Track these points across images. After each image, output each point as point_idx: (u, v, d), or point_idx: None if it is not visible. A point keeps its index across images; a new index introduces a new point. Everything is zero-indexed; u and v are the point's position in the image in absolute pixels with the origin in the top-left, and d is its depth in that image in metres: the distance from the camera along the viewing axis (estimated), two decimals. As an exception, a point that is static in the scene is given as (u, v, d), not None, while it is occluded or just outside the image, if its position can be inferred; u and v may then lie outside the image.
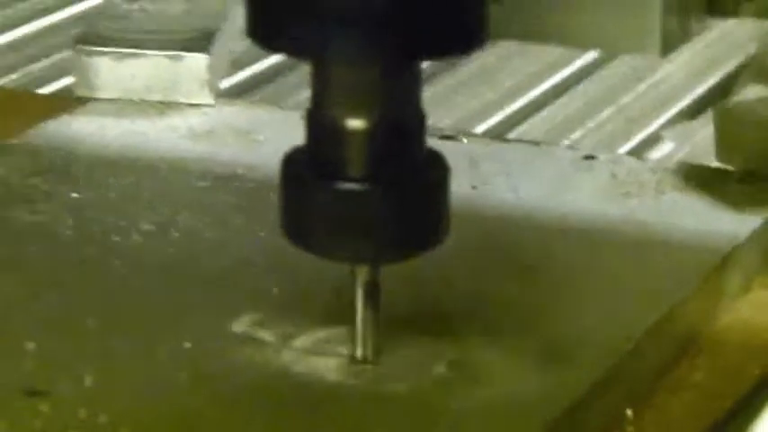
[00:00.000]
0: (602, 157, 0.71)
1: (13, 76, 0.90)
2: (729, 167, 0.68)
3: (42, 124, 0.70)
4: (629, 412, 0.53)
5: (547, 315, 0.56)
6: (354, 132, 0.48)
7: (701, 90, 0.89)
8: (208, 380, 0.50)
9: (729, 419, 0.54)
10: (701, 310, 0.59)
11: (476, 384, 0.51)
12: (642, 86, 0.88)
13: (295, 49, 0.47)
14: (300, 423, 0.48)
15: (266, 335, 0.53)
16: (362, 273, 0.50)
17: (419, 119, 0.50)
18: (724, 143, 0.68)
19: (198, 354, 0.51)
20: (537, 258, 0.61)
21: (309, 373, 0.51)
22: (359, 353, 0.51)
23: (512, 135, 0.83)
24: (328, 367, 0.51)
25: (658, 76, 0.89)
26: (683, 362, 0.57)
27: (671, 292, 0.58)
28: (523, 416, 0.49)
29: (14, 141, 0.69)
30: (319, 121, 0.48)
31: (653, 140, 0.83)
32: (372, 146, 0.49)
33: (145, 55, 0.72)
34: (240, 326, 0.53)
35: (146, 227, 0.60)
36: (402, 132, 0.49)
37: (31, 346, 0.51)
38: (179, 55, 0.71)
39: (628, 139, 0.82)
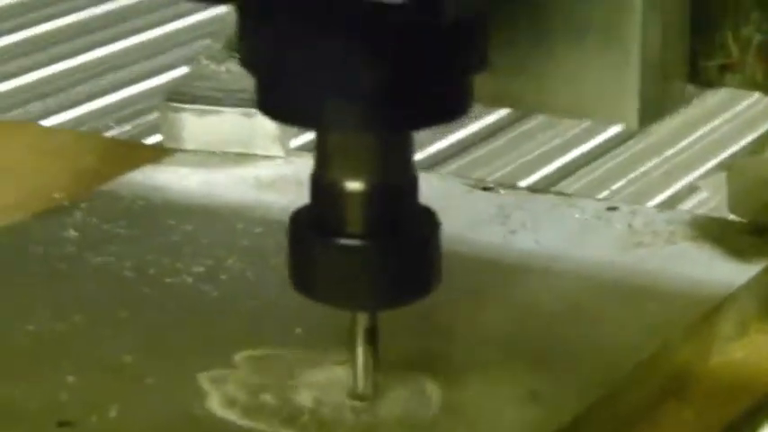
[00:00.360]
0: (623, 207, 0.70)
1: (127, 128, 0.92)
2: (742, 219, 0.66)
3: (130, 173, 0.71)
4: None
5: (539, 356, 0.56)
6: (354, 194, 0.49)
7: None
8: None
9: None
10: (690, 352, 0.59)
11: (461, 424, 0.51)
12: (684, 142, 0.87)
13: (298, 120, 0.48)
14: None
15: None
16: (362, 318, 0.50)
17: (412, 180, 0.50)
18: (736, 197, 0.66)
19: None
20: (541, 303, 0.61)
21: (309, 407, 0.52)
22: (358, 390, 0.52)
23: (558, 187, 0.83)
24: (327, 402, 0.52)
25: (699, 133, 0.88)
26: (671, 399, 0.57)
27: (660, 336, 0.58)
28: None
29: (103, 188, 0.70)
30: (323, 182, 0.49)
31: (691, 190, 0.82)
32: (370, 206, 0.49)
33: (223, 112, 0.73)
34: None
35: (197, 269, 0.61)
36: (396, 193, 0.49)
37: (71, 379, 0.52)
38: (252, 112, 0.72)
39: (666, 189, 0.82)
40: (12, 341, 0.56)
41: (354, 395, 0.52)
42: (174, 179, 0.70)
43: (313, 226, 0.49)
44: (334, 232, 0.49)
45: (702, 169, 0.85)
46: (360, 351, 0.51)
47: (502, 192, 0.71)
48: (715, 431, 0.55)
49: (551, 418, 0.51)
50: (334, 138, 0.49)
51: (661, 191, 0.82)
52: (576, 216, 0.69)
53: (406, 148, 0.49)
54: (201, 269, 0.61)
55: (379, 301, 0.51)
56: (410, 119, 0.47)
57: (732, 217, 0.67)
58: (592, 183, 0.84)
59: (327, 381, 0.53)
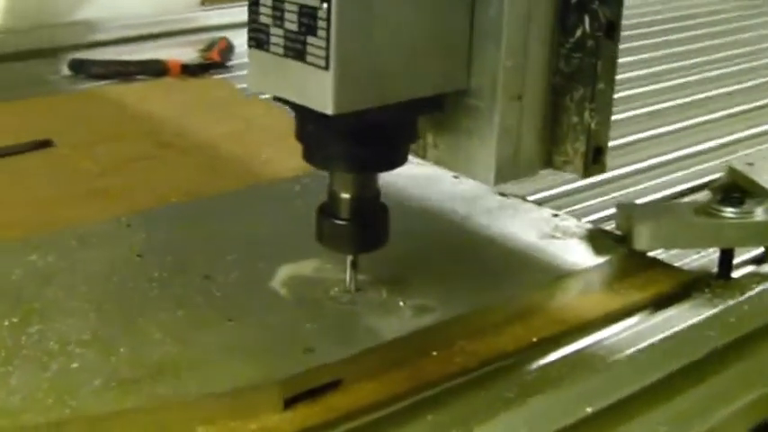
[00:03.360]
0: (563, 216, 0.83)
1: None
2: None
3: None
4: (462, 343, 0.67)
5: (441, 280, 0.72)
6: (344, 199, 0.66)
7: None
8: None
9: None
10: (539, 297, 0.72)
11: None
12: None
13: (320, 167, 0.67)
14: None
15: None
16: (349, 257, 0.69)
17: (375, 193, 0.67)
18: (619, 220, 0.80)
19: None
20: (465, 255, 0.76)
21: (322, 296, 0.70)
22: (348, 287, 0.70)
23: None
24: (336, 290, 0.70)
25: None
26: (517, 322, 0.69)
27: (523, 284, 0.73)
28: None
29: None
30: (331, 192, 0.67)
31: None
32: (351, 205, 0.66)
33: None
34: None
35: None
36: (365, 199, 0.67)
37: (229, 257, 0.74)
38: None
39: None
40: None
41: (346, 289, 0.70)
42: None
43: (327, 212, 0.67)
44: (335, 216, 0.66)
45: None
46: (349, 270, 0.70)
47: (508, 198, 0.86)
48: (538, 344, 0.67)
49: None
50: (335, 174, 0.66)
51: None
52: (533, 216, 0.83)
53: (372, 180, 0.67)
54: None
55: (356, 250, 0.69)
56: (372, 166, 0.66)
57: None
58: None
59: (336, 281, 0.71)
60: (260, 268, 0.73)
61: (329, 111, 0.59)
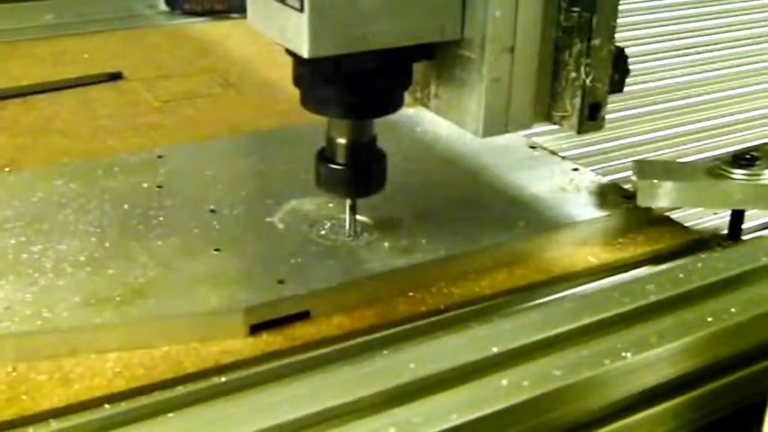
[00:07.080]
0: (582, 170, 0.85)
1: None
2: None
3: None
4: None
5: (440, 226, 0.75)
6: (340, 144, 0.70)
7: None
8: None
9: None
10: (530, 245, 0.74)
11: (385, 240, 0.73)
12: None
13: (319, 113, 0.68)
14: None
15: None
16: (348, 201, 0.73)
17: (372, 138, 0.70)
18: (635, 175, 0.79)
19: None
20: (466, 199, 0.79)
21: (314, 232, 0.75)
22: (347, 233, 0.74)
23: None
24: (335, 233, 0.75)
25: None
26: (503, 269, 0.72)
27: (513, 233, 0.75)
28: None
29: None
30: (329, 137, 0.70)
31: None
32: (347, 150, 0.69)
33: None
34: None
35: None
36: (361, 144, 0.69)
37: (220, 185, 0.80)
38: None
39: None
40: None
41: (343, 228, 0.74)
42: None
43: (324, 157, 0.70)
44: (332, 161, 0.70)
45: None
46: (348, 214, 0.73)
47: (536, 151, 0.88)
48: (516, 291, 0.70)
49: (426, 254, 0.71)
50: (333, 121, 0.69)
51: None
52: (554, 167, 0.85)
53: (368, 126, 0.69)
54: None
55: (354, 194, 0.72)
56: (363, 112, 0.69)
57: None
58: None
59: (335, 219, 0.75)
60: (267, 204, 0.78)
61: (305, 54, 0.61)
